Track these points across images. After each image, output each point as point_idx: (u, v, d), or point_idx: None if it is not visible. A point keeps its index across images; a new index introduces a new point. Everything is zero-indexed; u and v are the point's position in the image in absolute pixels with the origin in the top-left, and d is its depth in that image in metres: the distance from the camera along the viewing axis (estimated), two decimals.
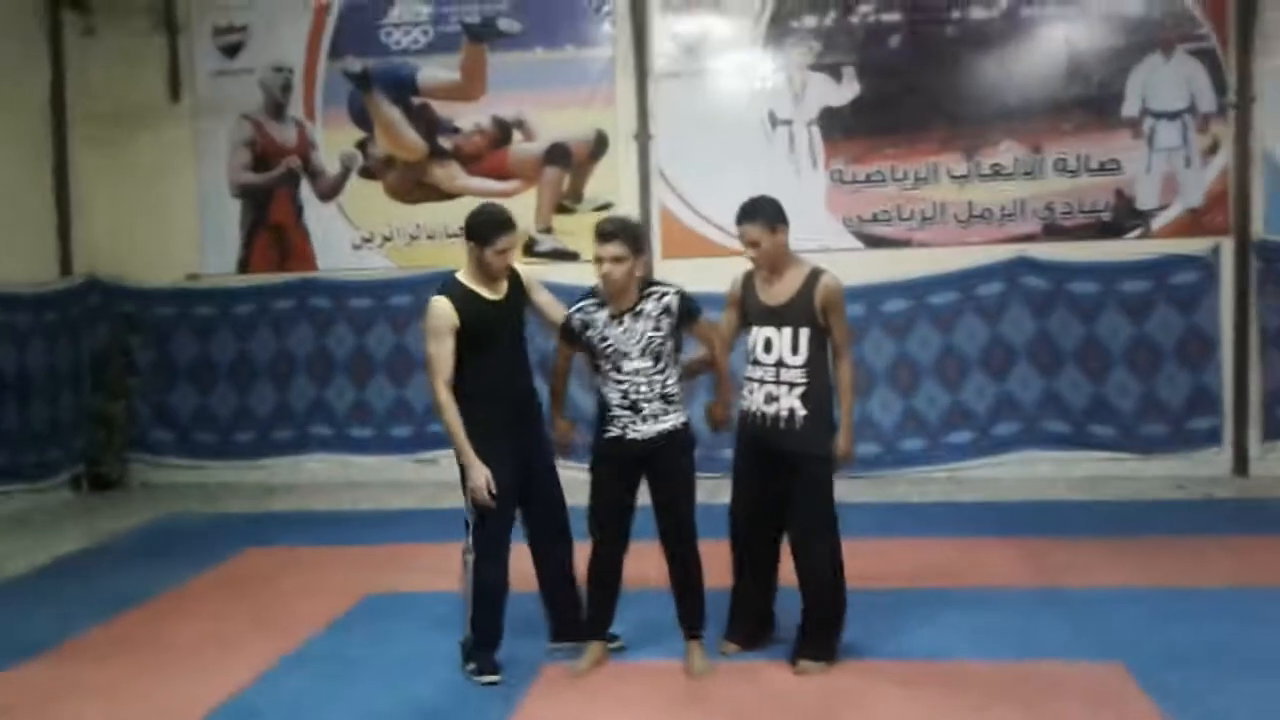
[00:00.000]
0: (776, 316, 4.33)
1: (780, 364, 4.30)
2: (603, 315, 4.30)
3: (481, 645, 4.45)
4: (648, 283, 4.35)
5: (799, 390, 4.28)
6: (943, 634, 4.73)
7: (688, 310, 4.31)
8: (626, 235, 4.23)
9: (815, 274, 4.33)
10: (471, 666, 4.43)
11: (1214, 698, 4.01)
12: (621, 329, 4.28)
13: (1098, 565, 5.63)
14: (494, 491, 4.28)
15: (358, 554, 6.35)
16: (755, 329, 4.40)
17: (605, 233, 4.22)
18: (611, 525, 4.41)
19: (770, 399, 4.32)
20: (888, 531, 6.38)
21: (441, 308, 4.29)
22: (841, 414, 4.37)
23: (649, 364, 4.28)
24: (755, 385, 4.37)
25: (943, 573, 5.61)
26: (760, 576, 4.60)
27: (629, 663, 4.55)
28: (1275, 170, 7.56)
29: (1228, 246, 7.62)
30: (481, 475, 4.28)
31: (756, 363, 4.37)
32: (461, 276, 4.41)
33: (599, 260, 4.22)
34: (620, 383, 4.29)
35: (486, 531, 4.39)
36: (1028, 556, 5.82)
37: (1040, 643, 4.61)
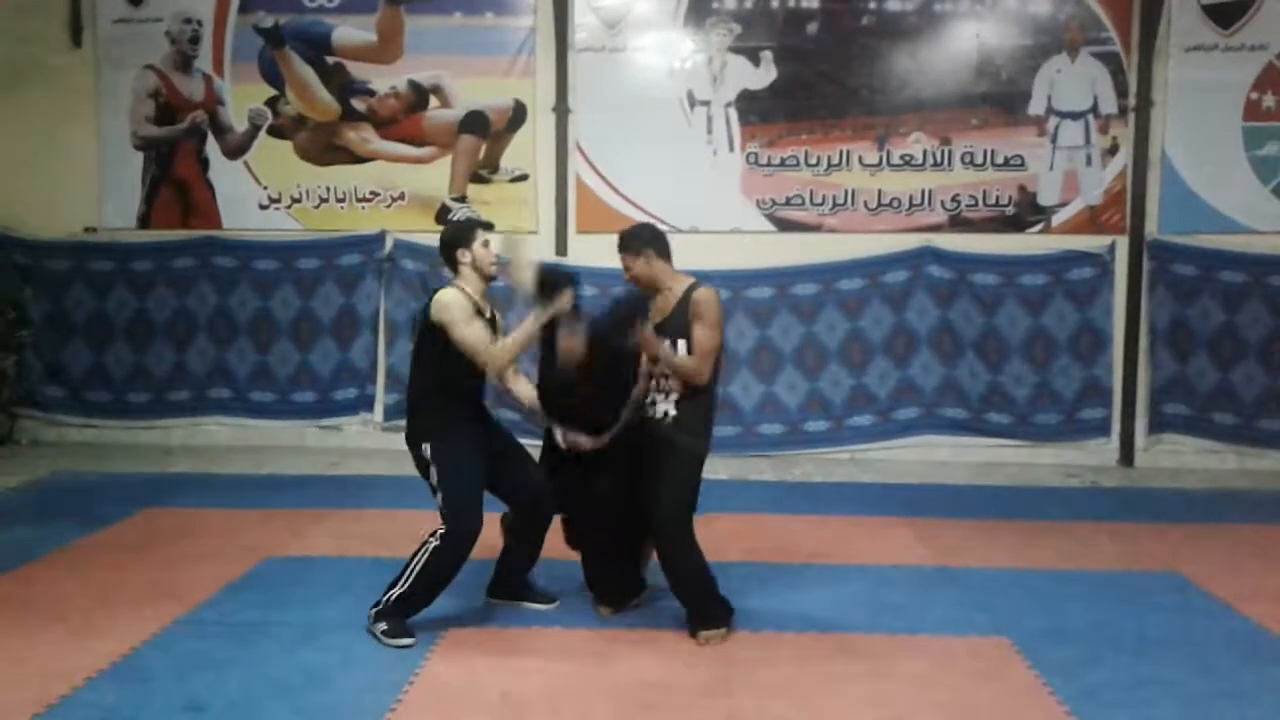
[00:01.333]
0: (658, 330, 4.47)
1: (663, 374, 4.47)
2: None
3: (403, 613, 4.42)
4: None
5: (674, 397, 4.47)
6: (840, 608, 4.84)
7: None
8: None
9: (692, 288, 4.49)
10: (383, 627, 4.39)
11: (1094, 672, 4.18)
12: None
13: (989, 546, 5.82)
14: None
15: (257, 517, 6.24)
16: None
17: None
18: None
19: (652, 403, 4.52)
20: (791, 509, 6.50)
21: (456, 296, 4.38)
22: (669, 349, 4.39)
23: None
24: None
25: (842, 550, 5.74)
26: (628, 547, 4.73)
27: (533, 629, 4.57)
28: (1171, 173, 7.85)
29: (1123, 245, 7.90)
30: (566, 297, 4.31)
31: (649, 372, 4.55)
32: (461, 287, 4.49)
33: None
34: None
35: (457, 533, 4.36)
36: (923, 536, 5.99)
37: (932, 618, 4.75)
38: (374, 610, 4.45)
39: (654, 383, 4.52)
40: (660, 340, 4.40)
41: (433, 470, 4.43)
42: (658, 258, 4.52)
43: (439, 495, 4.43)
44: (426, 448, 4.44)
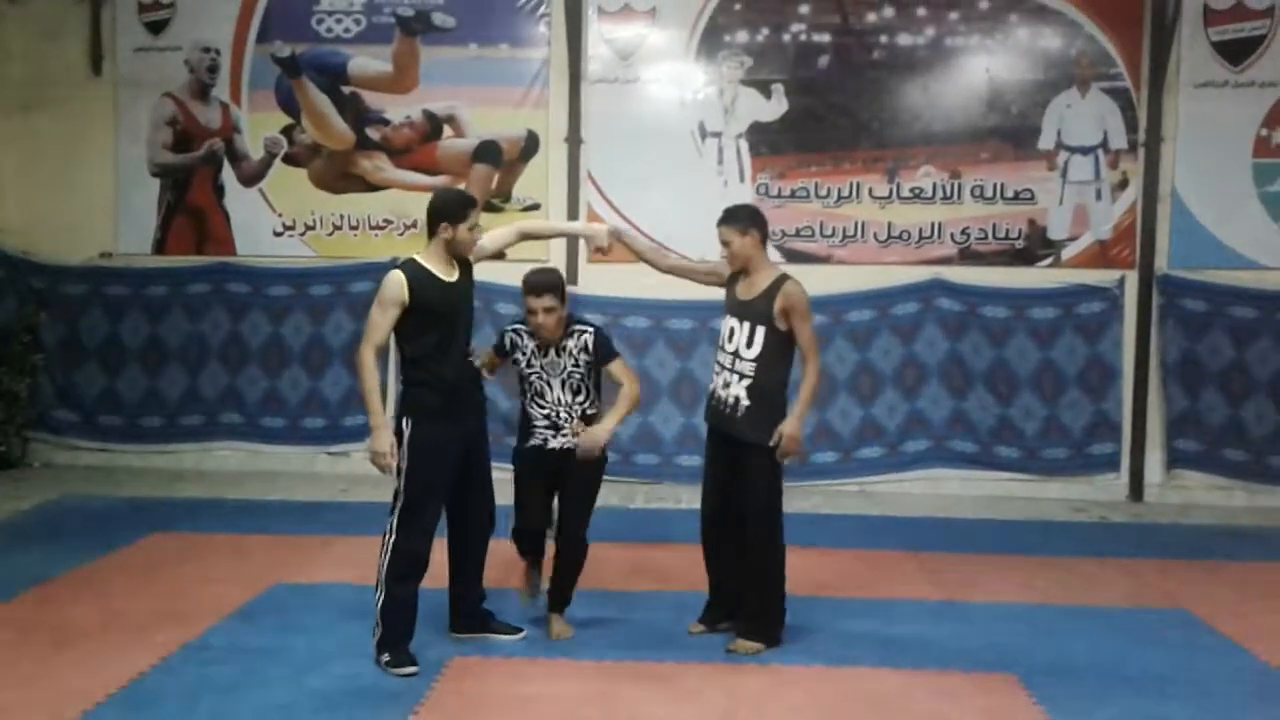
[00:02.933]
0: (741, 310, 4.69)
1: (736, 354, 4.65)
2: (531, 344, 4.77)
3: (394, 636, 4.42)
4: (570, 321, 4.78)
5: (747, 382, 4.61)
6: (846, 642, 4.84)
7: (602, 352, 4.78)
8: (556, 289, 4.66)
9: (781, 279, 4.67)
10: (386, 658, 4.40)
11: (1100, 709, 4.17)
12: (546, 360, 4.75)
13: (996, 581, 5.81)
14: (393, 458, 4.33)
15: (266, 543, 6.27)
16: (725, 318, 4.76)
17: (536, 287, 4.65)
18: (534, 511, 4.78)
19: (725, 385, 4.67)
20: (798, 541, 6.38)
21: (395, 279, 4.37)
22: (798, 405, 4.65)
23: (569, 396, 4.76)
24: (718, 369, 4.74)
25: (849, 583, 5.74)
26: (725, 561, 4.81)
27: (538, 659, 4.57)
28: (1181, 208, 7.87)
29: (1132, 279, 7.91)
30: (386, 441, 4.33)
31: (721, 349, 4.74)
32: (420, 258, 4.47)
33: (531, 312, 4.64)
34: (543, 408, 4.78)
35: (413, 516, 4.38)
36: (931, 570, 5.98)
37: (938, 653, 4.74)
38: (374, 640, 4.45)
39: (727, 361, 4.65)
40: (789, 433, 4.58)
41: (403, 453, 4.38)
42: (759, 243, 4.70)
43: (400, 480, 4.38)
44: (407, 424, 4.39)
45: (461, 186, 8.14)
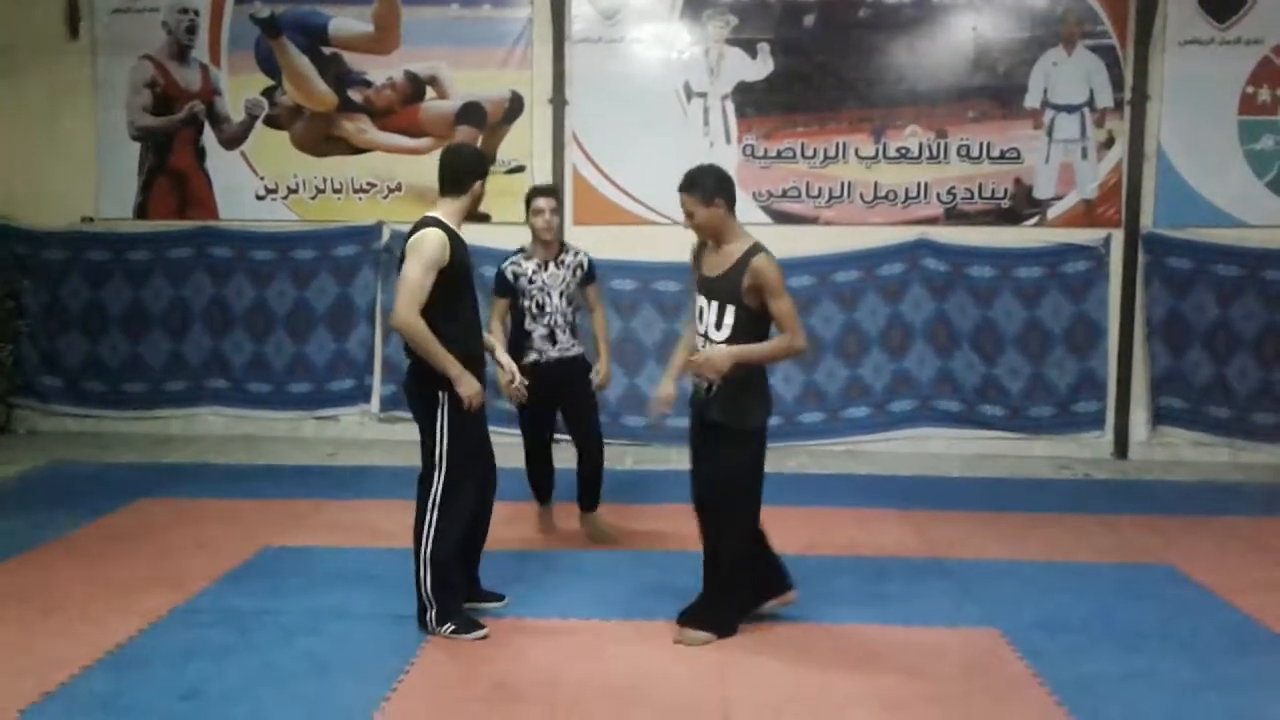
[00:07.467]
0: (709, 288, 4.29)
1: (706, 336, 4.29)
2: (531, 264, 5.41)
3: (450, 608, 4.36)
4: (563, 243, 5.53)
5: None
6: (834, 599, 4.87)
7: (590, 273, 5.58)
8: (557, 193, 5.64)
9: (749, 252, 4.20)
10: (451, 628, 4.36)
11: (1085, 663, 4.21)
12: (548, 274, 5.41)
13: (982, 538, 5.86)
14: (481, 405, 4.34)
15: (255, 508, 6.26)
16: (698, 295, 4.37)
17: (543, 189, 5.49)
18: (537, 428, 5.56)
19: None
20: (786, 501, 6.47)
21: (439, 239, 4.19)
22: (750, 346, 4.20)
23: (564, 305, 5.44)
24: (695, 351, 4.36)
25: (837, 541, 5.78)
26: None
27: (526, 619, 4.59)
28: (1166, 166, 7.87)
29: (1118, 238, 7.92)
30: (474, 385, 4.24)
31: (696, 330, 4.37)
32: (443, 218, 4.32)
33: (539, 212, 5.33)
34: (543, 317, 5.40)
35: (454, 495, 4.30)
36: (917, 528, 6.02)
37: (924, 609, 4.78)
38: (429, 616, 4.37)
39: (700, 343, 4.27)
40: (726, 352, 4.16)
41: (443, 426, 4.26)
42: (728, 211, 4.24)
43: (441, 453, 4.27)
44: (443, 396, 4.24)
45: None
